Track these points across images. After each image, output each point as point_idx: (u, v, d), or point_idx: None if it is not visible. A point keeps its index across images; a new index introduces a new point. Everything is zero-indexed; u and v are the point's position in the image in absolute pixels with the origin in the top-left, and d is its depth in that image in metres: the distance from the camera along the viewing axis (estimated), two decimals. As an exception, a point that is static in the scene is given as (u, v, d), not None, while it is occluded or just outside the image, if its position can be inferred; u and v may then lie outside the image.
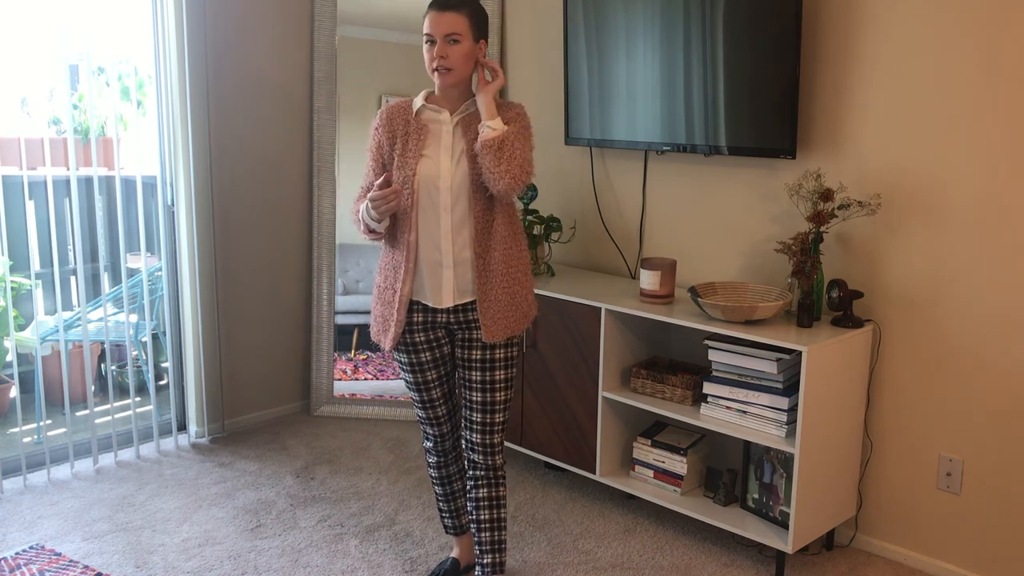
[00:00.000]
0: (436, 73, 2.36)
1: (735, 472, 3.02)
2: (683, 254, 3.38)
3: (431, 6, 2.33)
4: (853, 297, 2.82)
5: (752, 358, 2.78)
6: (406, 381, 2.59)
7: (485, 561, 2.59)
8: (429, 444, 2.68)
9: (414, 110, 2.44)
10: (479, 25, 2.38)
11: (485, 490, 2.56)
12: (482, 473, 2.56)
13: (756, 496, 2.92)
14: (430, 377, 2.54)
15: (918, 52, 2.71)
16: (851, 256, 2.93)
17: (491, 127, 2.33)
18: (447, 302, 2.44)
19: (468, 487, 2.61)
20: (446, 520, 2.79)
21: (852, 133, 2.88)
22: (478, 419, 2.52)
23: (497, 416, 2.53)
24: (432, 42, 2.33)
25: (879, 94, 2.80)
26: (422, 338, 2.49)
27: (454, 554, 2.82)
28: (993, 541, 2.72)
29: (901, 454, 2.89)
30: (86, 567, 2.81)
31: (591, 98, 3.47)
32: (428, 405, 2.59)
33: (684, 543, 3.03)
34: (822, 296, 2.87)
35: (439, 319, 2.47)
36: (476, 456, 2.55)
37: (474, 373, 2.50)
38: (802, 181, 2.86)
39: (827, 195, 2.79)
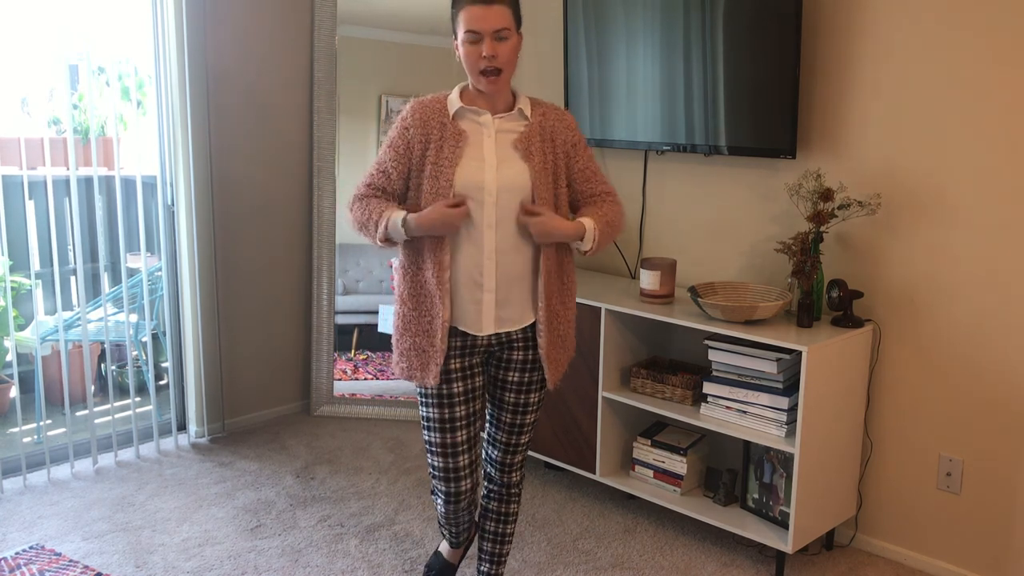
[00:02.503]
0: (483, 76, 2.11)
1: (735, 472, 3.02)
2: (683, 254, 3.38)
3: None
4: (853, 297, 2.82)
5: (752, 358, 2.78)
6: (427, 420, 2.29)
7: (482, 569, 2.56)
8: (440, 505, 2.40)
9: (451, 112, 2.19)
10: (519, 14, 2.15)
11: (495, 503, 2.48)
12: (496, 488, 2.47)
13: (756, 496, 2.92)
14: (459, 414, 2.26)
15: (918, 52, 2.71)
16: (851, 256, 2.93)
17: (584, 249, 2.21)
18: (487, 329, 2.22)
19: (481, 495, 2.53)
20: (444, 532, 2.61)
21: (852, 133, 2.88)
22: (503, 439, 2.39)
23: (523, 437, 2.40)
24: (476, 41, 2.08)
25: (879, 94, 2.80)
26: (457, 365, 2.24)
27: (446, 557, 2.71)
28: (993, 541, 2.72)
29: (901, 454, 2.89)
30: (86, 567, 2.81)
31: (591, 98, 3.47)
32: (451, 451, 2.28)
33: (684, 543, 3.03)
34: (822, 296, 2.87)
35: (480, 343, 2.25)
36: (492, 471, 2.45)
37: (508, 395, 2.33)
38: (802, 181, 2.85)
39: (827, 195, 2.79)
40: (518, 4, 2.15)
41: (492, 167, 2.16)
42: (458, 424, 2.27)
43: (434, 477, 2.35)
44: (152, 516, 3.17)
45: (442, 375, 2.23)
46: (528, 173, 2.17)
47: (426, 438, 2.32)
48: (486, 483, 2.50)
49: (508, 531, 2.51)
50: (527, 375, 2.31)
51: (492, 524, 2.50)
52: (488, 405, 2.41)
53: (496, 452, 2.42)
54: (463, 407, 2.27)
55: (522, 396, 2.33)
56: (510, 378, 2.32)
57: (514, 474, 2.45)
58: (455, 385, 2.25)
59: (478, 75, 2.13)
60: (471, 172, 2.15)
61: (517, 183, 2.17)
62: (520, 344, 2.28)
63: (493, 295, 2.20)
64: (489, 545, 2.53)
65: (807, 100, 2.95)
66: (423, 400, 2.29)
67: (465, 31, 2.09)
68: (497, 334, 2.25)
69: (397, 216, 2.15)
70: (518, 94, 2.24)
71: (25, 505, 3.25)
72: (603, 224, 2.23)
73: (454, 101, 2.19)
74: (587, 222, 2.21)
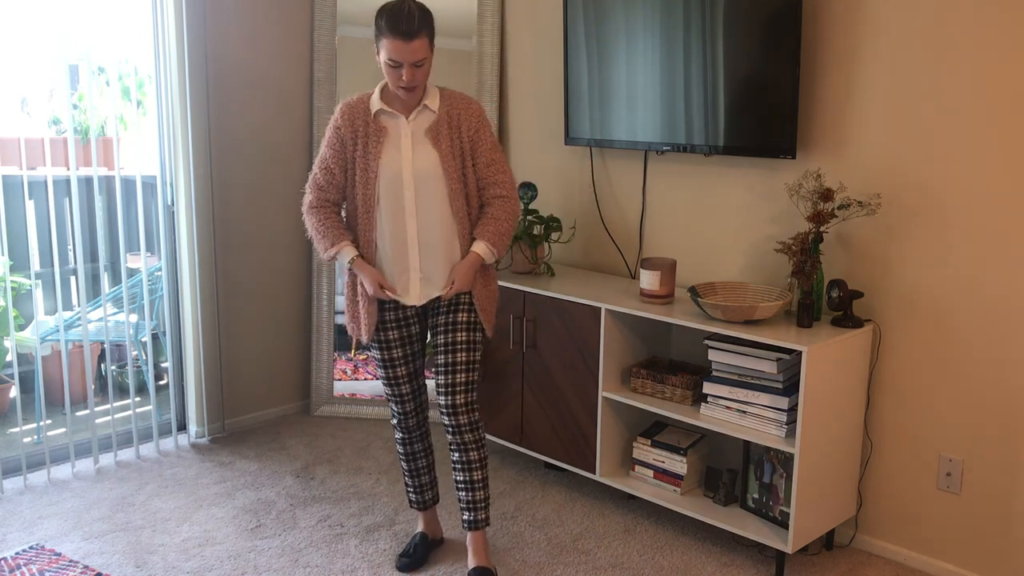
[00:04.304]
0: (401, 89, 2.48)
1: (735, 472, 3.02)
2: (683, 254, 3.38)
3: (394, 33, 2.39)
4: (853, 297, 2.82)
5: (752, 358, 2.78)
6: (375, 359, 2.76)
7: (463, 517, 2.77)
8: (395, 422, 2.84)
9: (372, 112, 2.54)
10: (433, 36, 2.48)
11: (457, 454, 2.72)
12: (451, 438, 2.70)
13: (756, 496, 2.92)
14: (396, 355, 2.71)
15: (918, 52, 2.71)
16: (851, 256, 2.93)
17: (491, 263, 2.64)
18: (414, 300, 2.64)
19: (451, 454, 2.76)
20: (411, 495, 2.93)
21: (852, 133, 2.88)
22: (443, 380, 2.65)
23: (459, 376, 2.64)
24: (397, 67, 2.43)
25: (879, 94, 2.80)
26: (391, 317, 2.68)
27: (420, 529, 2.95)
28: (993, 541, 2.72)
29: (901, 454, 2.89)
30: (86, 567, 2.81)
31: (591, 98, 3.47)
32: (394, 382, 2.75)
33: (684, 543, 3.03)
34: (822, 296, 2.87)
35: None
36: (445, 419, 2.67)
37: (439, 337, 2.67)
38: (802, 181, 2.85)
39: (827, 195, 2.79)
40: (433, 27, 2.48)
41: (408, 160, 2.53)
42: (397, 362, 2.72)
43: (389, 399, 2.81)
44: (152, 516, 3.17)
45: (379, 325, 2.68)
46: (438, 159, 2.54)
47: (379, 373, 2.78)
48: (446, 435, 2.71)
49: (475, 478, 2.73)
50: (451, 316, 2.65)
51: (460, 475, 2.74)
52: (434, 361, 2.71)
53: (442, 397, 2.67)
54: (399, 350, 2.72)
55: (450, 335, 2.64)
56: (439, 322, 2.67)
57: (460, 416, 2.66)
58: (391, 333, 2.69)
59: (396, 88, 2.49)
60: (391, 163, 2.53)
61: (430, 169, 2.54)
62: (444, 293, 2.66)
63: (418, 273, 2.61)
64: (463, 494, 2.75)
65: (807, 100, 2.95)
66: (372, 347, 2.74)
67: (387, 59, 2.43)
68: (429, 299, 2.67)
69: (345, 256, 2.60)
70: (428, 89, 2.57)
71: (25, 505, 3.25)
72: (495, 239, 2.61)
73: (375, 102, 2.56)
74: (481, 250, 2.61)
